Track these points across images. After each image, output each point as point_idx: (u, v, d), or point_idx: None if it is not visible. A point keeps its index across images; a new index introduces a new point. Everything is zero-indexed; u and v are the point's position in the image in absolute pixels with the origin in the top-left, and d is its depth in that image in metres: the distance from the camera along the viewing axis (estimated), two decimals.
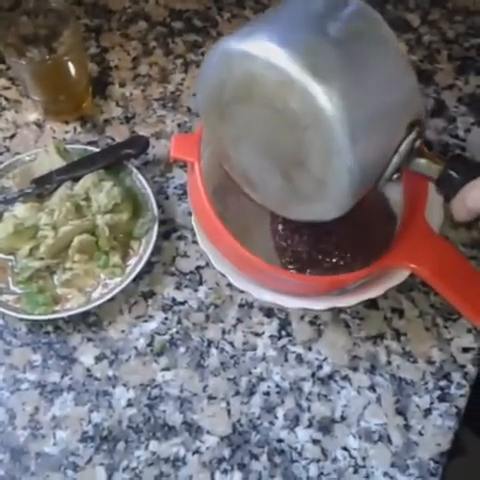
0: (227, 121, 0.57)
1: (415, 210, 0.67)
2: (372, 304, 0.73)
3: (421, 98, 0.55)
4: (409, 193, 0.70)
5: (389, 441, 0.67)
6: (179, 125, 0.85)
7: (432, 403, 0.69)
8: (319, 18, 0.52)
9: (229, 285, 0.73)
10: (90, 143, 0.83)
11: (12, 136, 0.85)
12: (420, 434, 0.67)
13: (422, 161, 0.55)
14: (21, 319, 0.71)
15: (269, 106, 0.52)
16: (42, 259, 0.73)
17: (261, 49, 0.50)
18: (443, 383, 0.70)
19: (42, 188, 0.77)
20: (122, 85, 0.89)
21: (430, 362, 0.71)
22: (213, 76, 0.55)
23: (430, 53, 0.92)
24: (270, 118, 0.53)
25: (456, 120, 0.86)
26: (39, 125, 0.86)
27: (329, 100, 0.49)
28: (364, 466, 0.66)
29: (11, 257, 0.74)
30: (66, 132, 0.85)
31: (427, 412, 0.68)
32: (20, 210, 0.75)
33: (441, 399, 0.69)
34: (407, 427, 0.67)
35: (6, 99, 0.88)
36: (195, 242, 0.75)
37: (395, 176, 0.56)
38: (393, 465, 0.66)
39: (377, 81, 0.52)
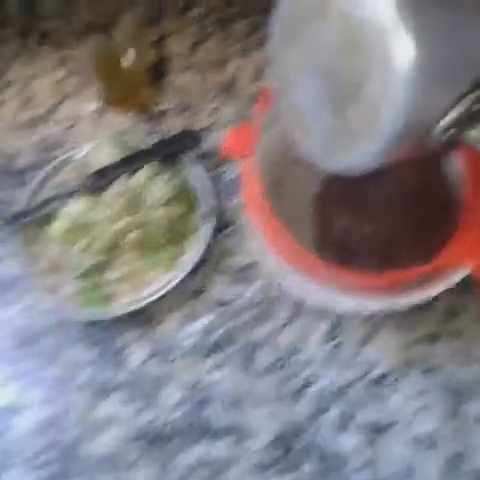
0: (297, 42, 0.55)
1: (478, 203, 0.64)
2: (427, 304, 0.71)
3: None
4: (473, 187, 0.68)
5: (441, 448, 0.65)
6: (235, 115, 0.84)
7: None
8: None
9: (280, 284, 0.72)
10: (147, 133, 0.83)
11: (71, 126, 0.85)
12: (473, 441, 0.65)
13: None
14: (76, 315, 0.73)
15: (341, 20, 0.50)
16: (97, 255, 0.74)
17: None
18: None
19: (98, 183, 0.77)
20: (180, 73, 0.88)
21: None
22: None
23: None
24: (338, 38, 0.51)
25: None
26: (97, 115, 0.86)
27: (401, 23, 0.46)
28: (414, 473, 0.65)
29: (67, 253, 0.75)
30: (123, 122, 0.85)
31: None
32: (76, 205, 0.76)
33: None
34: (461, 433, 0.66)
35: (65, 90, 0.88)
36: (246, 239, 0.74)
37: (450, 133, 0.51)
38: (445, 473, 0.64)
39: (461, 21, 0.49)
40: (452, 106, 0.50)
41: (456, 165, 0.69)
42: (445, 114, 0.50)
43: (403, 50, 0.46)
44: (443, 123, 0.50)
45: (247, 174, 0.65)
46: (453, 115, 0.50)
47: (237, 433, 0.67)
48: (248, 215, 0.70)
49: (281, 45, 0.57)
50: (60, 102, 0.87)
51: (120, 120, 0.85)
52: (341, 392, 0.68)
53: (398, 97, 0.48)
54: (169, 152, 0.79)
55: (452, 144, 0.53)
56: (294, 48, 0.55)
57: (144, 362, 0.71)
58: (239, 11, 0.91)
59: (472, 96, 0.49)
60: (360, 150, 0.54)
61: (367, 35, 0.48)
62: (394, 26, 0.46)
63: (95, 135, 0.84)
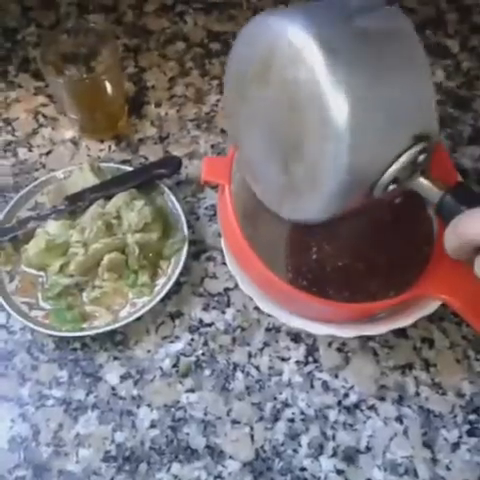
0: (245, 100, 0.57)
1: None
2: (401, 333, 0.72)
3: (435, 114, 0.52)
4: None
5: (415, 475, 0.65)
6: (212, 146, 0.86)
7: (460, 437, 0.67)
8: (350, 10, 0.52)
9: (257, 308, 0.73)
10: (124, 162, 0.84)
11: (48, 153, 0.86)
12: (447, 469, 0.65)
13: (424, 182, 0.53)
14: (49, 335, 0.72)
15: (282, 84, 0.52)
16: (72, 276, 0.73)
17: (282, 24, 0.51)
18: (473, 417, 0.68)
19: (75, 205, 0.77)
20: (158, 105, 0.89)
21: (460, 395, 0.69)
22: (240, 52, 0.56)
23: (469, 80, 0.91)
24: (281, 98, 0.53)
25: None
26: (75, 143, 0.87)
27: (334, 86, 0.48)
28: None
29: (41, 273, 0.75)
30: (101, 150, 0.86)
31: (455, 446, 0.66)
32: (52, 227, 0.75)
33: (470, 434, 0.67)
34: (434, 461, 0.66)
35: (44, 116, 0.89)
36: (224, 263, 0.74)
37: (391, 187, 0.53)
38: None
39: (391, 81, 0.51)
40: (393, 161, 0.51)
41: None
42: (386, 169, 0.52)
43: (337, 111, 0.48)
44: (384, 179, 0.52)
45: (223, 202, 0.66)
46: (394, 169, 0.51)
47: (213, 454, 0.66)
48: (224, 241, 0.70)
49: (233, 101, 0.60)
50: (38, 128, 0.88)
51: (98, 147, 0.86)
52: (318, 415, 0.68)
53: (336, 156, 0.50)
54: (148, 178, 0.80)
55: (397, 194, 0.55)
56: (244, 105, 0.58)
57: (119, 382, 0.70)
58: (219, 47, 0.94)
59: (413, 150, 0.51)
60: (305, 206, 0.56)
61: (304, 98, 0.50)
62: (327, 89, 0.48)
63: (72, 161, 0.85)
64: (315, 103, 0.49)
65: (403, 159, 0.51)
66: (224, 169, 0.66)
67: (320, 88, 0.49)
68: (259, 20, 0.53)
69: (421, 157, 0.52)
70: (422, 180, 0.53)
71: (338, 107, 0.48)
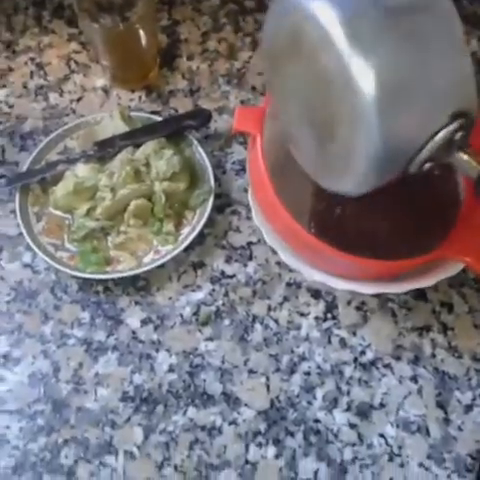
0: (278, 74, 0.57)
1: (476, 201, 0.65)
2: (421, 295, 0.73)
3: (474, 89, 0.50)
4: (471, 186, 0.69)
5: (427, 433, 0.66)
6: (242, 102, 0.86)
7: (474, 400, 0.68)
8: None
9: (278, 263, 0.74)
10: (154, 112, 0.84)
11: (79, 99, 0.86)
12: (459, 429, 0.66)
13: (463, 157, 0.51)
14: (73, 276, 0.73)
15: (311, 64, 0.51)
16: (98, 220, 0.74)
17: (311, 4, 0.49)
18: None
19: (104, 151, 0.78)
20: (190, 58, 0.89)
21: (475, 359, 0.70)
22: (270, 26, 0.54)
23: None
24: (312, 78, 0.52)
25: None
26: (106, 91, 0.87)
27: (361, 72, 0.47)
28: (400, 455, 0.65)
29: (68, 215, 0.76)
30: (131, 100, 0.86)
31: (468, 408, 0.67)
32: (81, 170, 0.76)
33: None
34: (446, 421, 0.67)
35: (76, 63, 0.89)
36: (248, 218, 0.75)
37: (427, 165, 0.52)
38: (429, 457, 0.65)
39: (424, 58, 0.49)
40: (429, 140, 0.50)
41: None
42: (422, 148, 0.50)
43: (365, 94, 0.47)
44: (419, 158, 0.51)
45: (254, 153, 0.66)
46: (429, 148, 0.50)
47: (229, 401, 0.67)
48: (252, 193, 0.71)
49: (270, 72, 0.59)
50: (70, 74, 0.88)
51: (128, 97, 0.86)
52: (334, 371, 0.69)
53: (368, 140, 0.49)
54: (177, 128, 0.80)
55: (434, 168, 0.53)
56: (279, 77, 0.57)
57: (140, 326, 0.71)
58: (254, 5, 0.93)
59: (450, 128, 0.49)
60: (341, 181, 0.56)
61: (333, 82, 0.49)
62: (354, 72, 0.47)
63: (102, 109, 0.85)
64: (344, 87, 0.48)
65: (439, 137, 0.49)
66: (256, 120, 0.66)
67: (347, 72, 0.47)
68: None
69: (458, 134, 0.50)
70: (461, 156, 0.51)
71: (366, 90, 0.47)
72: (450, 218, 0.69)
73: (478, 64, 0.89)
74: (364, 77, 0.47)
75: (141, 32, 0.81)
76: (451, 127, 0.49)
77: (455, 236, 0.65)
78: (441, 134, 0.49)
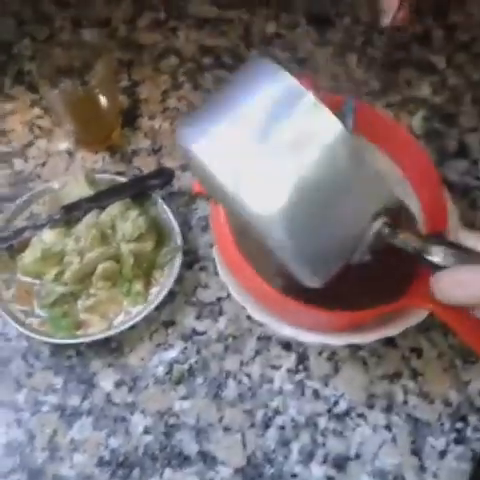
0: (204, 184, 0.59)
1: None
2: (390, 342, 0.74)
3: (386, 187, 0.48)
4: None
5: None
6: None
7: (448, 445, 0.68)
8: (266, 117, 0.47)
9: (248, 317, 0.74)
10: (118, 173, 0.85)
11: (44, 164, 0.87)
12: (435, 476, 0.67)
13: (396, 243, 0.51)
14: (44, 342, 0.72)
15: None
16: (67, 284, 0.74)
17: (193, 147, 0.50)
18: (459, 425, 0.69)
19: (70, 215, 0.78)
20: (151, 118, 0.91)
21: (447, 403, 0.71)
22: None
23: (454, 95, 0.93)
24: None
25: (478, 162, 0.87)
26: (70, 153, 0.88)
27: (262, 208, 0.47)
28: None
29: (37, 281, 0.76)
30: (95, 161, 0.87)
31: (442, 454, 0.68)
32: (48, 236, 0.76)
33: (457, 441, 0.69)
34: (422, 468, 0.67)
35: (39, 128, 0.90)
36: (216, 274, 0.76)
37: (366, 257, 0.52)
38: None
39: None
40: (356, 246, 0.50)
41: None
42: (352, 253, 0.51)
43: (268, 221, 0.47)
44: (355, 257, 0.51)
45: (216, 211, 0.67)
46: (362, 248, 0.50)
47: (206, 460, 0.67)
48: (217, 250, 0.72)
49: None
50: (34, 139, 0.89)
51: (92, 159, 0.87)
52: (308, 423, 0.70)
53: (285, 255, 0.50)
54: (142, 189, 0.81)
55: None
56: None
57: (114, 389, 0.71)
58: (212, 62, 0.96)
59: (374, 229, 0.49)
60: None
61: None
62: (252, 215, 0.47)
63: (67, 172, 0.86)
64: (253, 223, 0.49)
65: (367, 239, 0.49)
66: None
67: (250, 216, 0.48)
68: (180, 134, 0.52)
69: (385, 229, 0.49)
70: (393, 243, 0.51)
71: (274, 225, 0.47)
72: (412, 267, 0.71)
73: (431, 109, 0.92)
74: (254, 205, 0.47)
75: (101, 95, 0.83)
76: (374, 228, 0.49)
77: (418, 284, 0.67)
78: (367, 236, 0.49)
